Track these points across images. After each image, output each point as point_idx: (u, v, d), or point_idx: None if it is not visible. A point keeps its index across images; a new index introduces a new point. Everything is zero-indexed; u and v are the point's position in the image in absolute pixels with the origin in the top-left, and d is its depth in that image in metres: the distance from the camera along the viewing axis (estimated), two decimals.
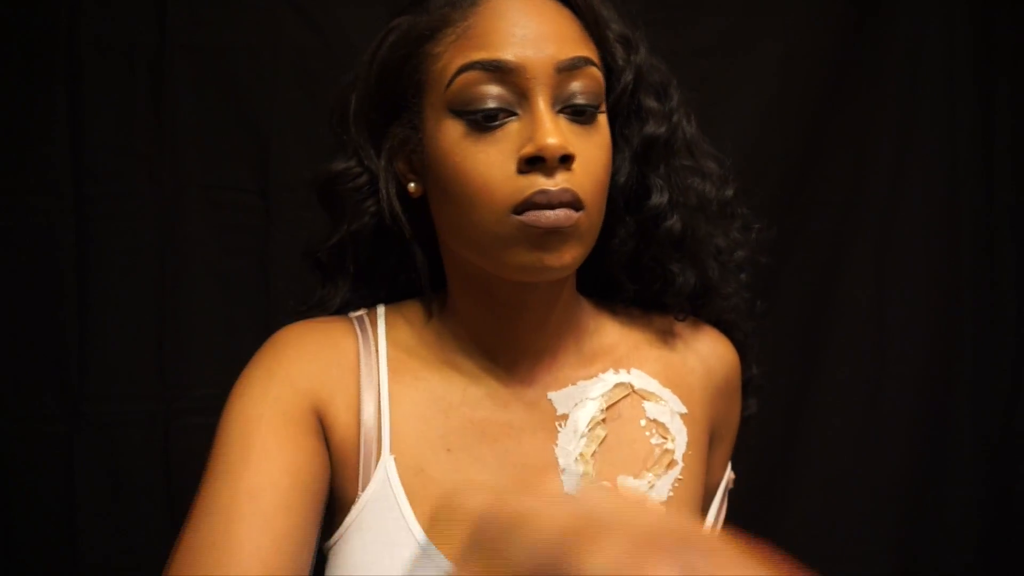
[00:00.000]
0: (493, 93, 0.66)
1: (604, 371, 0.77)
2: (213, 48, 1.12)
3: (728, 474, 0.85)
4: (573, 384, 0.75)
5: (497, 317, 0.74)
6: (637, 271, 0.80)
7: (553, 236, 0.65)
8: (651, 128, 0.75)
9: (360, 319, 0.77)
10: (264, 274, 1.14)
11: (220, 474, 0.65)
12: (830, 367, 1.29)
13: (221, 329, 1.14)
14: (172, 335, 1.13)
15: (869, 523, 1.29)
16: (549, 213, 0.64)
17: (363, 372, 0.72)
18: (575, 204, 0.65)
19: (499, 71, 0.65)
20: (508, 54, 0.65)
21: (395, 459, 0.69)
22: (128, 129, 1.11)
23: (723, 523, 0.85)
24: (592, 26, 0.71)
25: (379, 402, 0.71)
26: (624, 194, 0.76)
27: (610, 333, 0.80)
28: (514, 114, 0.66)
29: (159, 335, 1.13)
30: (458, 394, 0.73)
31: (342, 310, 0.79)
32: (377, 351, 0.74)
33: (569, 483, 0.70)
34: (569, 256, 0.66)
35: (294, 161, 1.12)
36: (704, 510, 0.81)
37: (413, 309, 0.79)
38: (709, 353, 0.82)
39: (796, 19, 1.24)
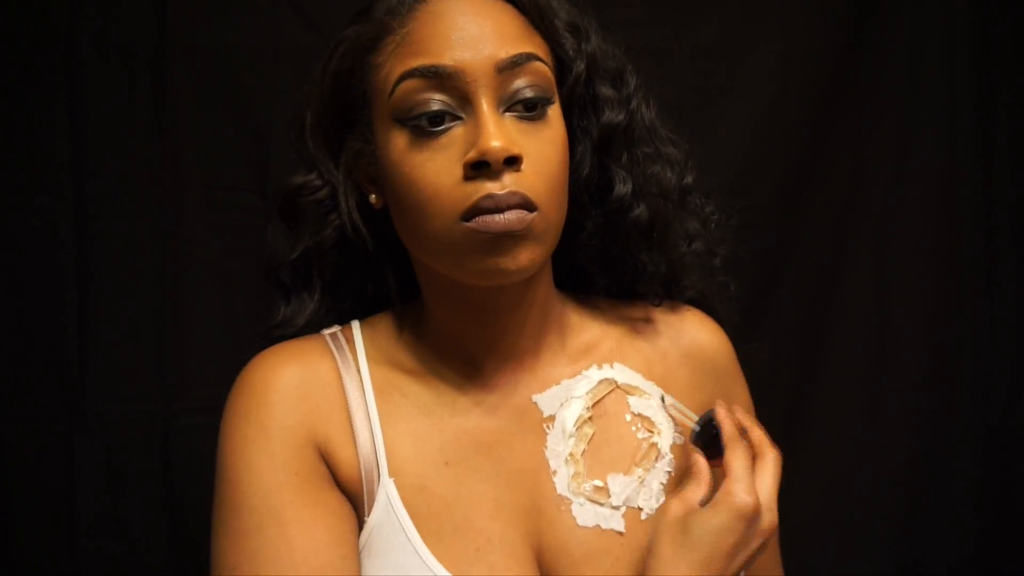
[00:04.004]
0: (435, 99, 0.64)
1: (588, 368, 0.76)
2: (213, 48, 1.12)
3: None
4: (557, 384, 0.74)
5: (473, 322, 0.73)
6: (607, 263, 0.79)
7: (506, 239, 0.63)
8: (609, 116, 0.74)
9: (335, 337, 0.75)
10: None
11: (267, 558, 0.64)
12: (830, 367, 1.29)
13: (221, 329, 1.14)
14: (172, 335, 1.13)
15: (869, 522, 1.29)
16: (499, 217, 0.63)
17: (350, 399, 0.71)
18: (527, 205, 0.64)
19: (438, 77, 0.64)
20: (446, 59, 0.64)
21: (395, 481, 0.68)
22: (128, 129, 1.11)
23: None
24: (537, 19, 0.69)
25: (371, 427, 0.70)
26: (588, 187, 0.75)
27: (592, 329, 0.79)
28: (459, 118, 0.65)
29: (159, 335, 1.13)
30: (447, 406, 0.72)
31: (308, 326, 0.77)
32: (359, 371, 0.72)
33: (561, 485, 0.70)
34: (525, 258, 0.65)
35: (294, 161, 1.11)
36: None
37: (388, 321, 0.77)
38: (691, 338, 0.81)
39: (796, 19, 1.24)
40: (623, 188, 0.75)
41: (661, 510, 0.68)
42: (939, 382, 1.30)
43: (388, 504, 0.68)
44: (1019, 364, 1.30)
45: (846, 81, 1.26)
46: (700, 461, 0.70)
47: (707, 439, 0.71)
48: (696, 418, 0.74)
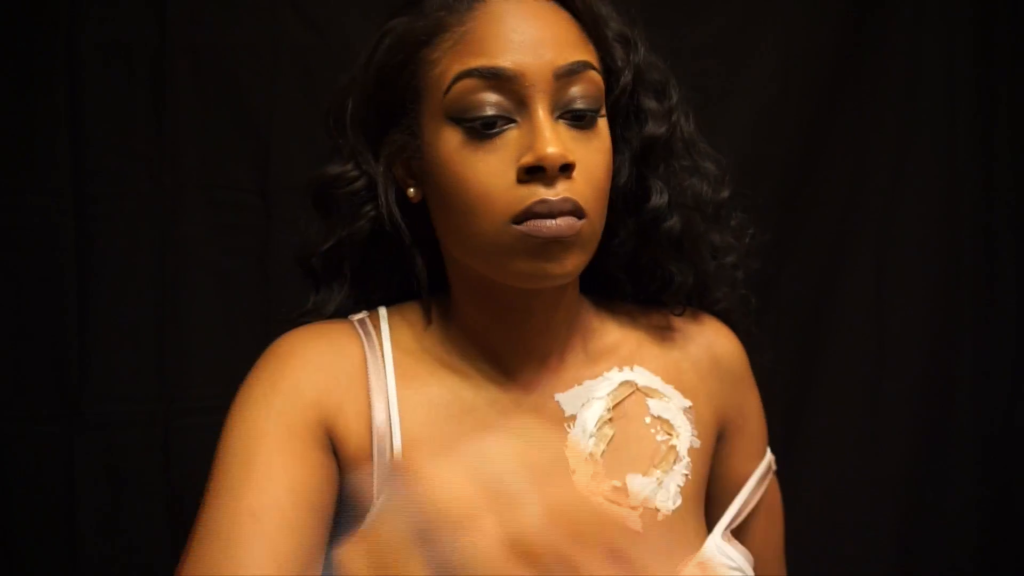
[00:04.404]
0: (491, 100, 0.65)
1: (609, 370, 0.76)
2: (213, 48, 1.12)
3: (768, 457, 0.84)
4: (579, 384, 0.75)
5: (502, 321, 0.73)
6: (636, 271, 0.80)
7: (555, 245, 0.64)
8: (651, 129, 0.75)
9: (362, 322, 0.75)
10: (264, 274, 1.14)
11: (220, 493, 0.64)
12: (830, 367, 1.29)
13: (221, 329, 1.14)
14: (172, 335, 1.13)
15: (869, 523, 1.29)
16: (550, 222, 0.63)
17: (371, 378, 0.71)
18: (577, 212, 0.65)
19: (497, 78, 0.65)
20: (506, 61, 0.65)
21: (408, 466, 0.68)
22: (128, 129, 1.11)
23: (773, 509, 0.84)
24: (591, 27, 0.70)
25: (389, 411, 0.70)
26: (623, 195, 0.76)
27: (612, 332, 0.80)
28: (513, 121, 0.65)
29: (159, 335, 1.13)
30: (468, 400, 0.73)
31: (337, 315, 0.78)
32: (383, 356, 0.73)
33: (580, 484, 0.70)
34: (572, 264, 0.66)
35: (294, 161, 1.12)
36: (726, 503, 0.80)
37: (415, 312, 0.77)
38: (709, 344, 0.82)
39: (796, 19, 1.24)
40: (659, 199, 0.76)
41: None
42: (939, 382, 1.30)
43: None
44: (1019, 365, 1.30)
45: (846, 81, 1.26)
46: None
47: None
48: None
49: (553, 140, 0.63)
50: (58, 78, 1.09)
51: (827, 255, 1.29)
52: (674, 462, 0.74)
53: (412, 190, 0.73)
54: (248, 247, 1.15)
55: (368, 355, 0.72)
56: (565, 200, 0.64)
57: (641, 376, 0.77)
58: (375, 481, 0.68)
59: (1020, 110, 1.28)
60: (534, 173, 0.64)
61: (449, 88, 0.66)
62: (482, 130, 0.65)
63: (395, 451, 0.69)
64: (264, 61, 1.13)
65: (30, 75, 1.08)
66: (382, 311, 0.77)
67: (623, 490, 0.71)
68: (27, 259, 1.10)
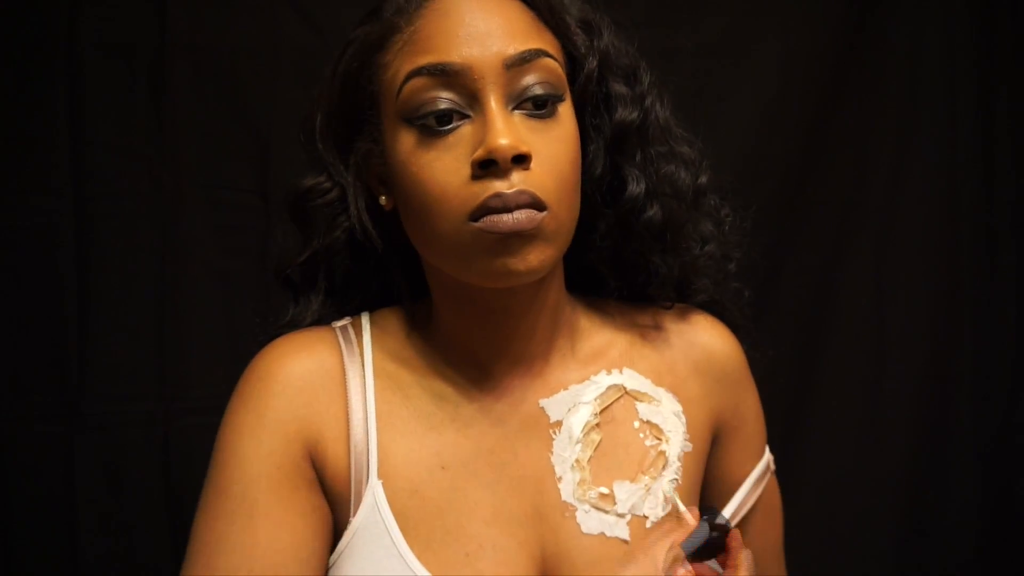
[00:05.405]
0: (443, 98, 0.64)
1: (597, 373, 0.75)
2: (213, 48, 1.12)
3: (766, 457, 0.83)
4: (565, 389, 0.74)
5: (482, 324, 0.72)
6: (620, 265, 0.78)
7: (515, 239, 0.63)
8: (622, 115, 0.72)
9: (344, 330, 0.74)
10: (264, 274, 1.14)
11: (230, 546, 0.65)
12: (830, 367, 1.29)
13: (221, 329, 1.14)
14: (172, 335, 1.13)
15: (869, 523, 1.29)
16: (507, 217, 0.62)
17: (351, 395, 0.70)
18: (536, 205, 0.63)
19: (445, 75, 0.63)
20: (453, 56, 0.63)
21: (384, 483, 0.68)
22: (128, 129, 1.11)
23: (771, 509, 0.83)
24: (547, 15, 0.69)
25: (367, 426, 0.69)
26: (600, 187, 0.73)
27: (602, 333, 0.78)
28: (467, 117, 0.64)
29: (159, 335, 1.13)
30: (450, 408, 0.72)
31: (317, 324, 0.77)
32: (364, 365, 0.72)
33: (566, 491, 0.70)
34: (535, 259, 0.64)
35: (294, 161, 1.11)
36: (723, 504, 0.79)
37: (398, 317, 0.76)
38: (703, 344, 0.80)
39: (796, 19, 1.24)
40: (636, 188, 0.73)
41: None
42: (939, 383, 1.30)
43: (375, 506, 0.67)
44: (1019, 365, 1.30)
45: (846, 81, 1.26)
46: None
47: (708, 538, 0.70)
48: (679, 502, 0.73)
49: (504, 131, 0.62)
50: (58, 78, 1.09)
51: (827, 255, 1.29)
52: (663, 467, 0.73)
53: (384, 198, 0.72)
54: (248, 247, 1.15)
55: (348, 368, 0.71)
56: (521, 192, 0.62)
57: (631, 379, 0.75)
58: (352, 501, 0.68)
59: (1020, 109, 1.28)
60: (488, 167, 0.62)
61: (400, 89, 0.65)
62: (436, 127, 0.64)
63: (371, 470, 0.68)
64: (264, 61, 1.13)
65: (30, 75, 1.09)
66: (364, 317, 0.76)
67: (610, 497, 0.70)
68: (27, 259, 1.10)
